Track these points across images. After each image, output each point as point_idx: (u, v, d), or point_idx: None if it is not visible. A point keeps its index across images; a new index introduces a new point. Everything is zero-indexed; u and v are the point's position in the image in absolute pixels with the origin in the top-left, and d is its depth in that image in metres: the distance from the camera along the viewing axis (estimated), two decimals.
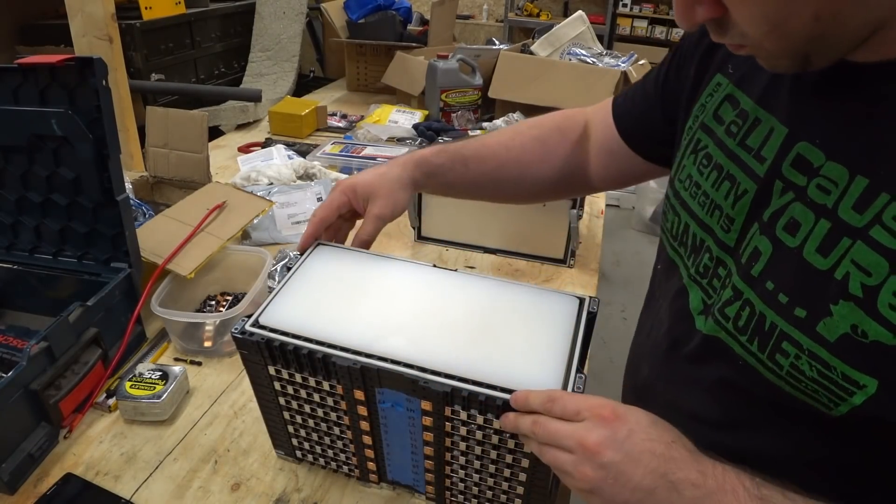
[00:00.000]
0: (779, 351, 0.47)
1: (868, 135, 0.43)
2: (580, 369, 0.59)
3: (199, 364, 0.95)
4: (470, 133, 1.97)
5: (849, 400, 0.44)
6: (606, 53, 2.09)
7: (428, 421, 0.62)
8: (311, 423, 0.71)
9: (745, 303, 0.50)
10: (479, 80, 2.08)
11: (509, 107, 2.01)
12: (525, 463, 0.61)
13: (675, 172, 0.65)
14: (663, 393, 0.64)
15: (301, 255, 0.76)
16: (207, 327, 0.96)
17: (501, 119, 1.94)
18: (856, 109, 0.45)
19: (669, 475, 0.44)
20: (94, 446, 0.80)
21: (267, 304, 0.67)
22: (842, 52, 0.43)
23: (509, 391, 0.56)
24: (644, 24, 5.65)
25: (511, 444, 0.59)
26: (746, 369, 0.51)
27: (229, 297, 1.09)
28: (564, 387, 0.57)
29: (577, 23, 2.13)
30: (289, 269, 1.05)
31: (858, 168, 0.43)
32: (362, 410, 0.65)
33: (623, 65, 1.95)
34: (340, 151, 1.68)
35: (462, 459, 0.65)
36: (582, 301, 0.69)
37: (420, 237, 1.29)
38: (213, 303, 1.07)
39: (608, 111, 0.77)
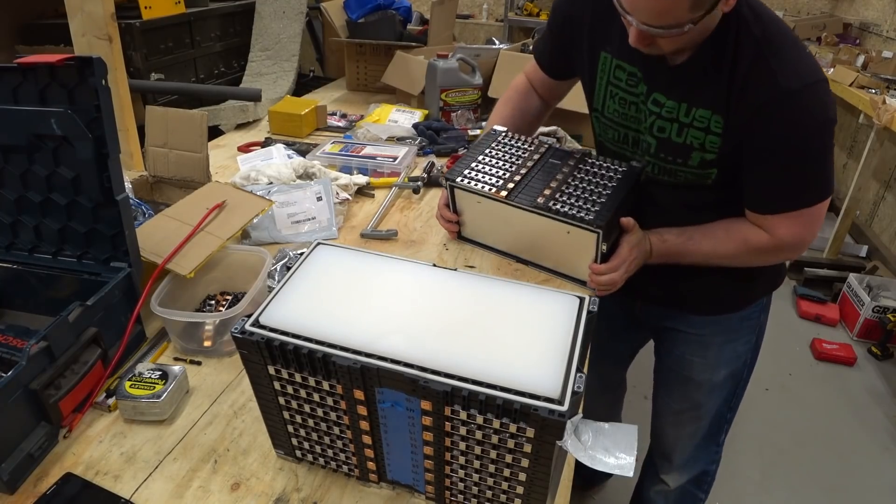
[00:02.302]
0: (674, 173, 1.06)
1: (685, 87, 0.98)
2: (580, 368, 0.59)
3: (199, 364, 0.95)
4: (470, 133, 1.97)
5: (707, 180, 1.03)
6: None
7: (428, 421, 0.62)
8: (310, 422, 0.71)
9: (655, 163, 1.08)
10: (478, 80, 2.08)
11: None
12: (525, 463, 0.61)
13: (598, 106, 1.14)
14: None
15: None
16: (207, 327, 0.96)
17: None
18: (678, 75, 0.98)
19: (641, 258, 1.08)
20: (94, 446, 0.80)
21: (267, 304, 0.67)
22: (676, 54, 0.97)
23: (509, 391, 0.56)
24: None
25: (511, 443, 0.59)
26: (663, 183, 1.09)
27: (229, 297, 1.09)
28: (564, 386, 0.57)
29: None
30: (289, 268, 1.06)
31: (683, 100, 0.99)
32: (362, 410, 0.65)
33: None
34: (340, 151, 1.68)
35: (462, 459, 0.65)
36: (582, 300, 0.69)
37: (461, 237, 1.32)
38: (213, 302, 1.07)
39: (535, 65, 1.29)
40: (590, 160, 1.14)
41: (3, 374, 0.72)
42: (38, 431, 0.76)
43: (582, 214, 1.03)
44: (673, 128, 1.01)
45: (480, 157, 1.20)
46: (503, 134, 1.24)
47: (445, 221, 1.27)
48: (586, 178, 1.11)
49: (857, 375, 2.59)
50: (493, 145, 1.22)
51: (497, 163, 1.19)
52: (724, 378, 1.26)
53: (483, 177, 1.16)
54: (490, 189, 1.13)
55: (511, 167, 1.17)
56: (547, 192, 1.09)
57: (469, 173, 1.17)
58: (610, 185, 1.08)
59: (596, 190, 1.08)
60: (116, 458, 0.78)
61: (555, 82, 1.28)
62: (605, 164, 1.12)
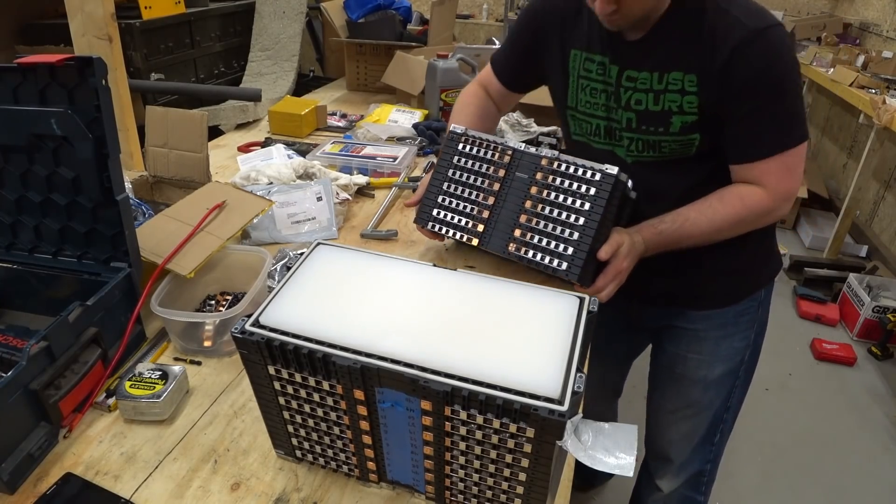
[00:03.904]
0: (657, 146, 1.07)
1: (654, 57, 1.02)
2: (580, 368, 0.59)
3: (199, 364, 0.95)
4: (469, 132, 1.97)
5: (692, 148, 1.05)
6: None
7: (428, 421, 0.62)
8: (310, 422, 0.71)
9: (635, 140, 1.09)
10: None
11: None
12: (525, 463, 0.61)
13: (572, 103, 1.16)
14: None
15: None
16: (207, 327, 0.96)
17: (501, 118, 1.94)
18: (644, 48, 1.03)
19: (634, 261, 1.06)
20: (94, 446, 0.80)
21: (267, 304, 0.67)
22: (641, 22, 1.01)
23: (509, 391, 0.56)
24: None
25: (511, 443, 0.59)
26: (650, 165, 1.10)
27: (229, 297, 1.09)
28: (564, 386, 0.57)
29: None
30: (289, 268, 1.05)
31: (654, 69, 1.02)
32: (362, 410, 0.65)
33: None
34: (340, 151, 1.68)
35: (462, 459, 0.65)
36: (582, 300, 0.69)
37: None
38: (213, 302, 1.07)
39: (492, 75, 1.33)
40: (560, 169, 1.04)
41: (3, 374, 0.72)
42: (38, 431, 0.76)
43: (555, 264, 1.00)
44: (649, 98, 1.03)
45: (445, 186, 1.14)
46: (464, 137, 1.15)
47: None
48: (559, 197, 1.03)
49: (857, 375, 2.59)
50: (454, 161, 1.14)
51: (463, 191, 1.12)
52: (721, 375, 1.26)
53: (452, 217, 1.12)
54: (461, 235, 1.11)
55: (478, 195, 1.11)
56: (517, 232, 1.05)
57: (438, 214, 1.14)
58: (586, 203, 1.00)
59: (570, 216, 1.01)
60: (116, 458, 0.78)
61: (510, 93, 1.33)
62: (576, 175, 1.02)
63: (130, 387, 0.83)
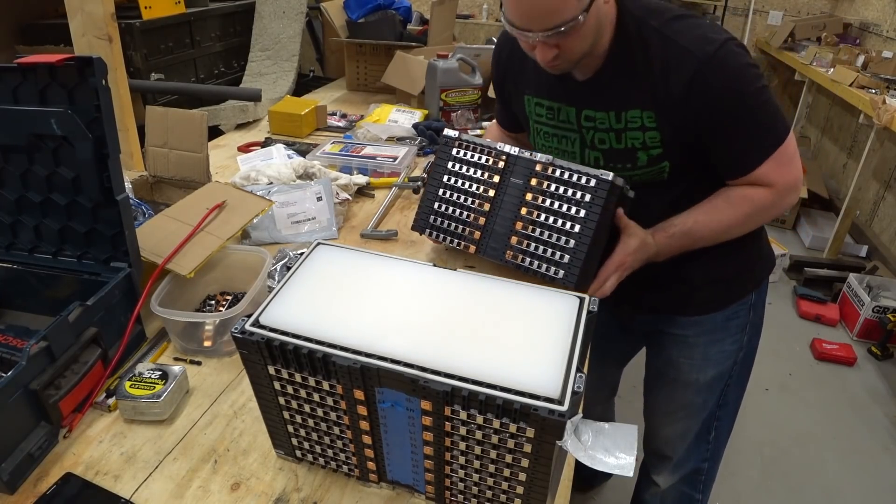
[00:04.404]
0: (628, 179, 1.03)
1: (607, 96, 1.02)
2: (580, 368, 0.59)
3: (199, 364, 0.95)
4: (469, 133, 1.97)
5: (663, 174, 1.05)
6: None
7: (428, 421, 0.62)
8: (310, 422, 0.71)
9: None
10: (478, 80, 2.08)
11: None
12: (525, 463, 0.61)
13: (537, 147, 1.20)
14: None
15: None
16: (207, 327, 0.96)
17: None
18: (597, 87, 1.04)
19: (639, 262, 1.06)
20: (94, 446, 0.80)
21: (267, 304, 0.67)
22: (583, 65, 1.01)
23: (509, 391, 0.57)
24: None
25: (511, 443, 0.59)
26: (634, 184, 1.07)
27: (229, 297, 1.09)
28: (564, 386, 0.57)
29: None
30: (289, 268, 1.05)
31: (610, 108, 1.03)
32: (362, 410, 0.65)
33: None
34: (340, 151, 1.68)
35: (462, 459, 0.65)
36: (582, 300, 0.69)
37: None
38: (213, 302, 1.07)
39: (498, 127, 1.39)
40: (555, 175, 1.02)
41: (3, 374, 0.72)
42: (38, 431, 0.76)
43: (552, 273, 1.01)
44: (611, 137, 1.04)
45: (441, 192, 1.13)
46: (458, 142, 1.13)
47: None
48: (554, 204, 1.01)
49: (857, 375, 2.59)
50: (449, 166, 1.13)
51: (459, 197, 1.11)
52: (712, 378, 1.26)
53: (448, 224, 1.12)
54: (459, 243, 1.11)
55: (474, 201, 1.10)
56: (514, 239, 1.05)
57: (435, 221, 1.14)
58: (581, 210, 0.99)
59: (566, 224, 1.00)
60: (116, 458, 0.78)
61: (518, 134, 1.33)
62: (571, 181, 1.00)
63: (130, 387, 0.83)
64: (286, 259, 1.19)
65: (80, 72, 0.82)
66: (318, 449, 0.75)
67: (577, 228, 0.99)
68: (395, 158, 1.63)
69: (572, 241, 1.00)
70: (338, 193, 1.41)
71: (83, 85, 0.83)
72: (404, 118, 2.05)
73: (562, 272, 1.00)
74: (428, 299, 0.70)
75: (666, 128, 0.99)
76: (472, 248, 1.09)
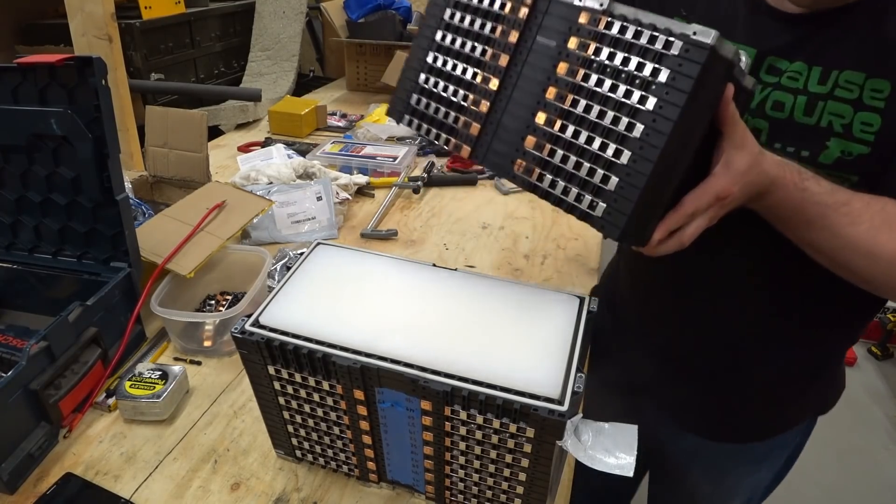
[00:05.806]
0: None
1: (817, 43, 0.67)
2: (580, 368, 0.59)
3: (199, 363, 0.95)
4: None
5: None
6: None
7: (428, 421, 0.62)
8: (310, 422, 0.71)
9: None
10: None
11: None
12: (525, 463, 0.61)
13: None
14: None
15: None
16: (207, 327, 0.96)
17: None
18: (805, 27, 0.68)
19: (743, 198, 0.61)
20: (94, 446, 0.80)
21: (267, 304, 0.67)
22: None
23: (509, 391, 0.56)
24: None
25: (511, 444, 0.59)
26: None
27: (229, 297, 1.09)
28: (564, 386, 0.57)
29: None
30: (289, 268, 1.06)
31: (812, 61, 0.68)
32: (362, 410, 0.65)
33: None
34: (340, 151, 1.68)
35: (462, 459, 0.65)
36: (582, 300, 0.69)
37: None
38: (213, 302, 1.07)
39: None
40: (612, 32, 0.56)
41: (3, 374, 0.72)
42: (38, 431, 0.76)
43: (585, 205, 0.57)
44: (798, 102, 0.67)
45: (431, 59, 0.70)
46: None
47: None
48: (604, 84, 0.56)
49: (857, 375, 2.59)
50: (445, 17, 0.69)
51: (455, 66, 0.68)
52: None
53: (436, 109, 0.69)
54: (447, 140, 0.68)
55: (475, 74, 0.66)
56: (530, 141, 0.61)
57: (418, 103, 0.71)
58: (649, 99, 0.54)
59: (621, 122, 0.55)
60: (116, 458, 0.78)
61: None
62: (639, 44, 0.54)
63: (130, 387, 0.83)
64: (286, 259, 1.19)
65: (80, 72, 0.82)
66: (318, 449, 0.75)
67: (638, 131, 0.55)
68: (395, 158, 1.63)
69: (628, 155, 0.55)
70: (338, 193, 1.41)
71: (83, 85, 0.83)
72: None
73: (602, 205, 0.57)
74: (428, 299, 0.70)
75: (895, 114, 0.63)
76: (466, 150, 0.67)
